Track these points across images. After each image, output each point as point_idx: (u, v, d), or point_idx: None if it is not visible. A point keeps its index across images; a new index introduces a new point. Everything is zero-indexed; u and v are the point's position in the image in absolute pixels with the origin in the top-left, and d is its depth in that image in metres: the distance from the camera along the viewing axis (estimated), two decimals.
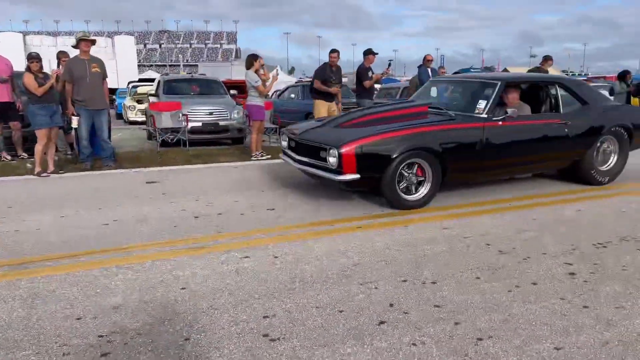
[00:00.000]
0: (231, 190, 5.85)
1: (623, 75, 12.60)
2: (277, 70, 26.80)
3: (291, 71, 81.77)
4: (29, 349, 2.39)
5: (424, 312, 2.78)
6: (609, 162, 6.05)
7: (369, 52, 9.12)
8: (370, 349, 2.41)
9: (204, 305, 2.87)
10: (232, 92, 11.56)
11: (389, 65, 10.16)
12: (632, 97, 12.54)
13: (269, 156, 8.29)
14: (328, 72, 8.68)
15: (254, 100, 8.16)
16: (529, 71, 11.34)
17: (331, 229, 4.31)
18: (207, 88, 11.42)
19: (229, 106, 10.33)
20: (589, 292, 3.01)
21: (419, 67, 10.76)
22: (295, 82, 17.85)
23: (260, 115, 8.23)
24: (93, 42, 7.29)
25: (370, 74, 9.37)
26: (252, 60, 8.14)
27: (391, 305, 2.87)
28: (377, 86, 14.77)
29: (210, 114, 10.03)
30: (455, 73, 13.42)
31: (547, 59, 10.59)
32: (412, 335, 2.54)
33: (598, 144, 5.86)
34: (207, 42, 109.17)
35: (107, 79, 7.42)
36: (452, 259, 3.58)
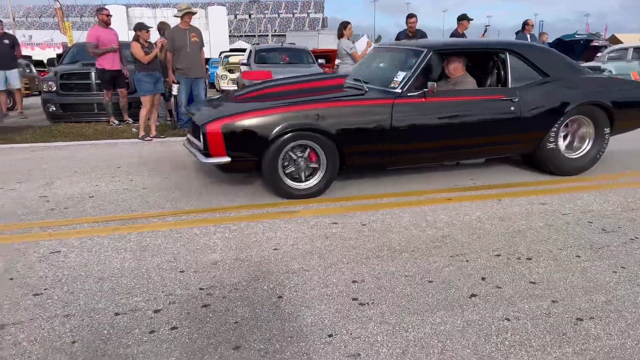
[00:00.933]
0: None
1: None
2: (366, 37, 26.31)
3: (378, 39, 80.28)
4: (139, 296, 2.62)
5: (519, 288, 2.69)
6: (582, 148, 4.96)
7: (463, 18, 8.71)
8: (460, 320, 2.38)
9: (295, 266, 2.97)
10: (319, 60, 11.58)
11: (485, 30, 9.64)
12: None
13: None
14: (404, 38, 8.38)
15: (348, 68, 8.13)
16: None
17: (420, 199, 4.25)
18: (295, 57, 11.53)
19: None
20: None
21: (517, 33, 10.13)
22: None
23: None
24: (194, 13, 7.60)
25: None
26: (342, 28, 8.08)
27: (483, 279, 2.81)
28: None
29: None
30: (558, 40, 12.49)
31: None
32: (506, 310, 2.48)
33: (561, 126, 4.79)
34: (294, 11, 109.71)
35: (203, 48, 7.72)
36: (549, 235, 3.41)
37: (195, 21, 7.78)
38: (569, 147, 4.99)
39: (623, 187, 4.55)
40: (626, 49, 14.69)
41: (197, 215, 3.87)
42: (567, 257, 3.06)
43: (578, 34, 12.87)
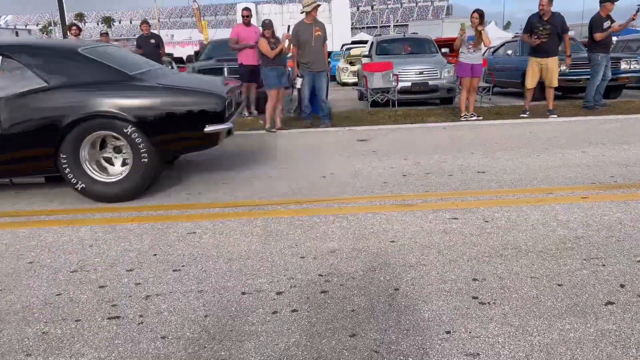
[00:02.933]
0: (439, 150, 5.79)
1: None
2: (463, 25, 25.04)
3: (507, 26, 75.54)
4: (263, 278, 2.79)
5: None
6: (116, 172, 4.25)
7: (605, 0, 7.87)
8: (594, 329, 2.19)
9: (412, 259, 2.95)
10: (443, 50, 11.24)
11: (638, 10, 8.58)
12: None
13: (480, 118, 7.92)
14: (535, 22, 7.73)
15: (460, 57, 7.85)
16: None
17: (550, 197, 3.96)
18: (418, 47, 11.32)
19: (439, 65, 10.09)
20: None
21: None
22: (512, 38, 16.47)
23: (463, 73, 7.87)
24: (318, 6, 7.81)
25: (606, 24, 8.12)
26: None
27: (622, 286, 2.55)
28: (613, 38, 12.76)
29: (420, 73, 9.95)
30: None
31: None
32: None
33: (79, 143, 4.04)
34: (418, 0, 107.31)
35: (326, 43, 7.90)
36: None
37: (319, 15, 7.98)
38: (103, 169, 4.29)
39: None
40: None
41: (318, 205, 4.00)
42: None
43: None
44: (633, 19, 8.82)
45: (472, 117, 7.91)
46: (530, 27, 7.81)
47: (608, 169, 4.67)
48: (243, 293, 2.62)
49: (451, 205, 3.85)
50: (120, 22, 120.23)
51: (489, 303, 2.44)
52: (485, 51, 14.16)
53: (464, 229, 3.36)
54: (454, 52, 8.94)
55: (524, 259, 2.89)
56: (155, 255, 3.14)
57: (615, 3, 8.20)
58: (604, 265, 2.78)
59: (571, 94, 10.57)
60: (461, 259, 2.93)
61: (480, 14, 7.69)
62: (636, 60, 10.23)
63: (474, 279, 2.68)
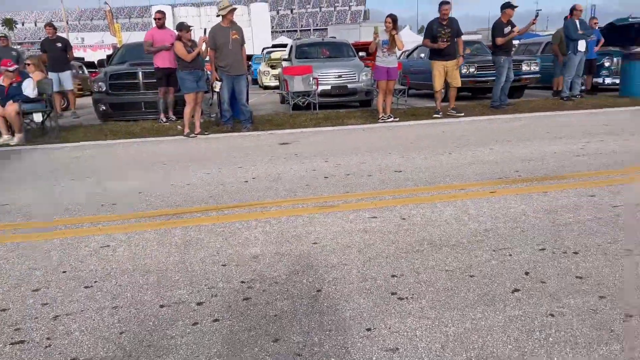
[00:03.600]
0: (358, 151, 5.93)
1: None
2: (408, 28, 26.01)
3: (421, 30, 78.96)
4: (183, 289, 2.71)
5: (564, 283, 2.60)
6: None
7: (506, 6, 8.47)
8: (502, 316, 2.33)
9: (334, 260, 2.99)
10: (360, 53, 11.52)
11: (536, 16, 9.28)
12: None
13: (396, 119, 8.20)
14: (437, 27, 8.18)
15: (376, 60, 8.11)
16: None
17: (462, 192, 4.17)
18: (336, 51, 11.53)
19: (358, 68, 10.34)
20: None
21: (565, 19, 9.72)
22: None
23: (379, 76, 8.13)
24: (234, 9, 7.72)
25: (507, 29, 8.71)
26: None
27: (527, 273, 2.73)
28: (515, 42, 13.71)
29: (339, 77, 10.15)
30: (610, 24, 11.90)
31: None
32: (550, 305, 2.40)
33: None
34: (336, 5, 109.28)
35: (245, 46, 7.84)
36: (598, 229, 3.27)
37: (237, 18, 7.91)
38: None
39: None
40: None
41: (239, 210, 3.95)
42: (617, 251, 2.93)
43: (632, 18, 12.22)
44: (533, 24, 9.54)
45: (389, 118, 8.18)
46: (432, 32, 8.22)
47: (513, 164, 5.00)
48: (161, 306, 2.53)
49: (370, 205, 3.95)
50: (23, 25, 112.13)
51: (407, 298, 2.52)
52: (401, 54, 14.73)
53: (383, 227, 3.46)
54: (370, 56, 9.18)
55: (439, 254, 3.02)
56: (64, 272, 2.95)
57: (515, 9, 8.82)
58: (510, 255, 2.97)
59: (480, 95, 11.22)
60: (380, 257, 3.01)
61: (393, 19, 7.97)
62: (535, 63, 11.06)
63: (393, 275, 2.76)
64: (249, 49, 27.95)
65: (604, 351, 2.04)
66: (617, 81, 10.53)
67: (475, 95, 11.32)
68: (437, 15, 8.29)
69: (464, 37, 8.42)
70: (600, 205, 3.71)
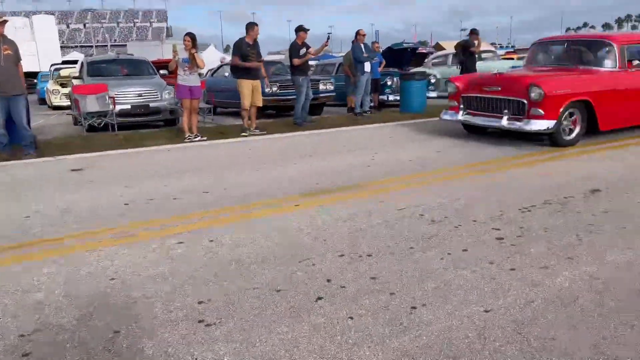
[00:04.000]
0: (163, 174, 5.66)
1: None
2: (213, 47, 25.99)
3: (227, 49, 79.84)
4: None
5: (361, 285, 2.81)
6: None
7: (300, 29, 9.02)
8: (307, 326, 2.41)
9: (135, 294, 2.76)
10: (162, 72, 11.10)
11: (328, 38, 10.09)
12: None
13: (204, 138, 8.08)
14: (245, 47, 8.44)
15: (178, 79, 7.94)
16: (457, 45, 11.63)
17: (269, 208, 4.26)
18: (135, 69, 10.93)
19: (159, 87, 9.93)
20: (516, 255, 3.15)
21: (352, 42, 10.77)
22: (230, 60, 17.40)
23: (182, 94, 7.97)
24: (4, 22, 6.74)
25: (302, 50, 9.27)
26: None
27: (328, 280, 2.88)
28: (312, 62, 14.72)
29: (140, 95, 9.62)
30: (388, 48, 13.56)
31: (473, 32, 10.89)
32: (349, 308, 2.56)
33: None
34: (135, 20, 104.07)
35: (21, 62, 6.90)
36: (387, 231, 3.63)
37: (18, 31, 6.96)
38: None
39: (451, 180, 5.06)
40: (447, 55, 16.52)
41: (18, 251, 3.41)
42: (403, 250, 3.29)
43: (405, 43, 14.16)
44: (325, 46, 10.32)
45: (196, 138, 8.01)
46: (241, 51, 8.37)
47: (315, 177, 5.29)
48: None
49: (176, 230, 3.78)
50: None
51: (214, 323, 2.44)
52: (207, 72, 14.63)
53: (190, 252, 3.33)
54: (172, 74, 8.89)
55: (247, 272, 3.01)
56: None
57: (308, 32, 9.45)
58: (314, 264, 3.10)
59: (284, 113, 11.72)
60: (187, 284, 2.87)
61: (192, 37, 7.87)
62: (331, 82, 12.00)
63: (200, 302, 2.66)
64: (33, 66, 24.84)
65: (396, 344, 2.24)
66: (399, 98, 12.01)
67: (279, 113, 11.79)
68: (244, 35, 8.46)
69: (269, 57, 8.73)
70: (388, 209, 4.14)
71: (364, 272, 2.98)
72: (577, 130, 6.56)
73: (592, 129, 6.70)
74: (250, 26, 8.57)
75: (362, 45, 10.54)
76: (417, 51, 14.75)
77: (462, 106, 7.34)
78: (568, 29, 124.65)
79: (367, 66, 10.56)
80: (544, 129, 6.30)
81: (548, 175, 5.13)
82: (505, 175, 5.16)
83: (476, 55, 11.01)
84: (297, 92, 9.60)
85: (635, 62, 6.85)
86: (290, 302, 2.65)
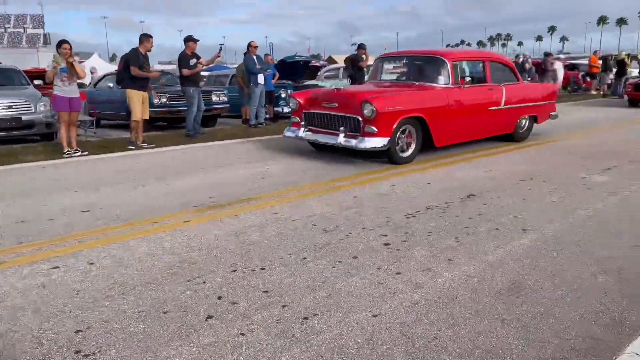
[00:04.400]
0: (37, 193, 5.18)
1: None
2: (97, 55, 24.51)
3: (112, 58, 75.60)
4: None
5: (253, 300, 2.77)
6: None
7: (189, 39, 8.82)
8: (196, 347, 2.32)
9: (0, 329, 2.47)
10: (36, 82, 10.21)
11: (220, 49, 9.94)
12: None
13: (85, 153, 7.54)
14: (141, 57, 8.11)
15: (55, 90, 7.35)
16: (346, 59, 12.06)
17: (156, 226, 4.06)
18: (4, 79, 9.91)
19: (33, 98, 9.10)
20: (401, 259, 3.30)
21: (245, 54, 10.73)
22: (115, 70, 16.49)
23: (60, 106, 7.40)
24: None
25: (193, 61, 9.06)
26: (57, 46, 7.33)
27: (219, 297, 2.81)
28: (205, 73, 14.42)
29: (9, 107, 8.74)
30: (281, 61, 13.70)
31: (360, 47, 11.37)
32: (241, 325, 2.51)
33: None
34: (7, 25, 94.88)
35: None
36: (280, 243, 3.63)
37: None
38: None
39: (341, 190, 5.19)
40: (338, 68, 17.05)
41: None
42: (295, 261, 3.30)
43: (298, 56, 14.40)
44: (218, 57, 10.15)
45: (76, 152, 7.45)
46: (139, 62, 7.98)
47: (207, 191, 5.15)
48: None
49: (52, 254, 3.46)
50: None
51: (93, 353, 2.27)
52: (90, 83, 13.71)
53: (67, 278, 3.06)
54: (49, 85, 8.20)
55: (131, 295, 2.84)
56: None
57: (197, 42, 9.25)
58: (204, 282, 3.00)
59: (175, 125, 11.32)
60: (63, 313, 2.64)
61: (70, 45, 7.33)
62: (224, 93, 11.83)
63: (78, 331, 2.45)
64: None
65: (287, 357, 2.24)
66: None
67: (170, 125, 11.38)
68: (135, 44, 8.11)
69: (158, 67, 8.39)
70: (281, 221, 4.14)
71: (256, 286, 2.95)
72: (412, 147, 6.51)
73: (429, 145, 6.77)
74: (146, 37, 8.22)
75: (255, 57, 10.54)
76: (310, 64, 15.07)
77: (303, 123, 7.04)
78: (448, 45, 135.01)
79: (261, 78, 10.57)
80: (379, 147, 6.11)
81: (427, 185, 5.47)
82: (388, 183, 5.41)
83: (364, 69, 11.47)
84: (188, 103, 9.32)
85: (468, 79, 7.20)
86: (178, 323, 2.53)
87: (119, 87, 8.70)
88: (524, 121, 8.20)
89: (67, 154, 7.37)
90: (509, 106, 7.63)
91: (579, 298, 2.75)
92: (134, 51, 8.14)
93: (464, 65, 7.97)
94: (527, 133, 8.33)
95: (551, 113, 8.68)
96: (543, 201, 4.61)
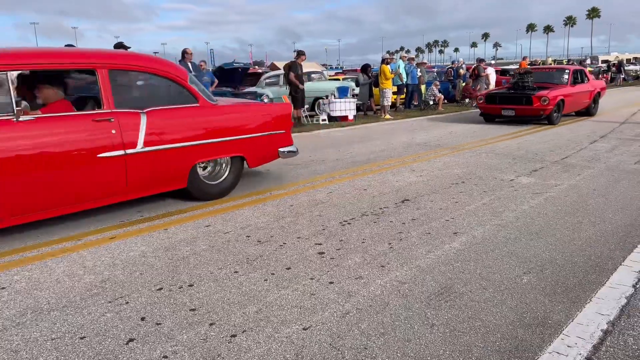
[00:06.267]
0: None
1: (365, 68, 14.33)
2: None
3: None
4: None
5: (179, 319, 2.65)
6: None
7: (119, 46, 8.48)
8: None
9: None
10: None
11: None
12: (373, 87, 14.38)
13: None
14: None
15: None
16: (285, 66, 12.03)
17: (78, 243, 3.82)
18: None
19: None
20: (335, 268, 3.27)
21: (180, 61, 10.48)
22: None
23: None
24: None
25: None
26: None
27: (143, 319, 2.66)
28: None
29: None
30: (219, 67, 13.50)
31: (299, 53, 11.37)
32: (164, 347, 2.38)
33: None
34: None
35: None
36: (211, 257, 3.51)
37: None
38: None
39: (276, 198, 5.12)
40: (279, 75, 17.00)
41: None
42: (227, 275, 3.19)
43: (236, 62, 14.24)
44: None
45: None
46: None
47: (136, 204, 4.92)
48: None
49: None
50: None
51: None
52: None
53: None
54: None
55: (45, 321, 2.64)
56: None
57: (129, 49, 8.93)
58: (127, 302, 2.84)
59: None
60: None
61: None
62: None
63: None
64: None
65: None
66: None
67: None
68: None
69: None
70: (214, 233, 4.01)
71: (183, 304, 2.82)
72: None
73: None
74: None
75: (190, 64, 10.30)
76: (249, 71, 14.93)
77: None
78: (388, 52, 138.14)
79: None
80: None
81: (364, 191, 5.50)
82: (326, 191, 5.39)
83: (301, 75, 11.48)
84: None
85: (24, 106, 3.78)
86: (95, 349, 2.37)
87: None
88: (217, 167, 5.23)
89: None
90: (159, 147, 4.44)
91: (505, 299, 2.81)
92: None
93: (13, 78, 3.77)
94: (226, 185, 5.19)
95: (280, 149, 5.58)
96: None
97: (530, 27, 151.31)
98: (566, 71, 12.04)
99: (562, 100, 11.00)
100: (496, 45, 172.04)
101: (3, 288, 3.04)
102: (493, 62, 33.53)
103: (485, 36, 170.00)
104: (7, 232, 4.12)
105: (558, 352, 2.27)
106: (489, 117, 11.79)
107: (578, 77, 12.15)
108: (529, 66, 14.69)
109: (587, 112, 12.60)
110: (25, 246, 3.78)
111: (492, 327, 2.52)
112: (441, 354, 2.29)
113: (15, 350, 2.37)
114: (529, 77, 11.41)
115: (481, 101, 11.72)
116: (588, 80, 12.69)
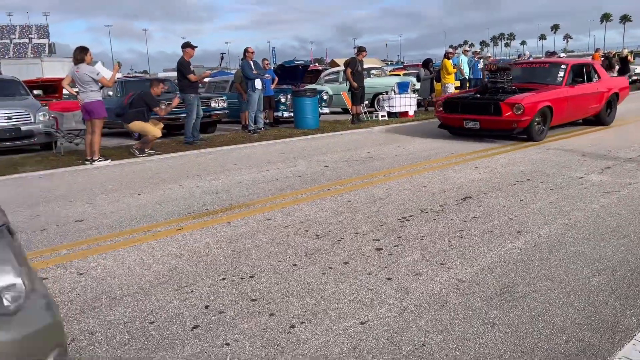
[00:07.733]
0: (32, 203, 5.18)
1: (427, 63, 14.09)
2: (100, 64, 24.95)
3: (119, 65, 75.89)
4: None
5: (240, 309, 2.74)
6: None
7: (186, 46, 8.83)
8: (180, 358, 2.29)
9: None
10: (35, 92, 10.25)
11: (222, 58, 10.02)
12: (434, 82, 14.10)
13: (107, 160, 7.59)
14: (189, 66, 8.23)
15: (94, 95, 7.34)
16: (345, 62, 12.02)
17: (148, 234, 4.04)
18: (4, 89, 9.96)
19: (32, 108, 9.14)
20: (392, 265, 3.26)
21: (241, 60, 10.73)
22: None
23: (103, 112, 7.47)
24: None
25: (192, 67, 9.09)
26: (82, 53, 7.31)
27: (207, 307, 2.77)
28: (205, 80, 14.45)
29: (9, 118, 8.78)
30: (281, 65, 13.71)
31: (360, 50, 11.34)
32: (226, 334, 2.48)
33: None
34: (12, 37, 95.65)
35: None
36: (272, 250, 3.60)
37: None
38: None
39: (334, 194, 5.16)
40: (338, 72, 17.05)
41: None
42: (286, 268, 3.27)
43: (297, 60, 14.41)
44: (220, 66, 10.20)
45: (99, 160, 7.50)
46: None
47: (201, 198, 5.14)
48: None
49: (42, 265, 3.45)
50: None
51: None
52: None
53: (54, 289, 3.04)
54: (56, 93, 8.21)
55: (118, 306, 2.81)
56: None
57: (195, 48, 9.28)
58: (192, 291, 2.98)
59: (174, 132, 11.32)
60: None
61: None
62: (222, 99, 11.84)
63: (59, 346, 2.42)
64: None
65: None
66: (292, 114, 12.15)
67: (170, 132, 11.38)
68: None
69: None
70: (274, 227, 4.11)
71: (244, 294, 2.91)
72: None
73: None
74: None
75: (252, 63, 10.52)
76: (309, 68, 15.07)
77: None
78: (451, 46, 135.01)
79: (258, 83, 10.56)
80: None
81: (423, 188, 5.42)
82: (384, 187, 5.37)
83: (362, 72, 11.45)
84: (187, 110, 9.33)
85: None
86: (163, 333, 2.50)
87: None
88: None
89: (98, 160, 7.47)
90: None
91: (572, 301, 2.69)
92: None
93: None
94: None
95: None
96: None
97: (605, 17, 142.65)
98: (562, 67, 8.90)
99: (549, 108, 8.15)
100: (567, 37, 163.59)
101: (81, 274, 3.26)
102: (563, 54, 31.77)
103: (555, 27, 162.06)
104: (83, 222, 4.42)
105: (629, 358, 2.16)
106: (453, 130, 8.95)
107: (581, 74, 9.18)
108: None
109: (598, 120, 9.69)
110: (100, 236, 4.04)
111: (557, 329, 2.43)
112: (502, 354, 2.24)
113: (91, 332, 2.54)
114: (506, 77, 8.47)
115: (440, 109, 8.93)
116: (599, 78, 9.66)
